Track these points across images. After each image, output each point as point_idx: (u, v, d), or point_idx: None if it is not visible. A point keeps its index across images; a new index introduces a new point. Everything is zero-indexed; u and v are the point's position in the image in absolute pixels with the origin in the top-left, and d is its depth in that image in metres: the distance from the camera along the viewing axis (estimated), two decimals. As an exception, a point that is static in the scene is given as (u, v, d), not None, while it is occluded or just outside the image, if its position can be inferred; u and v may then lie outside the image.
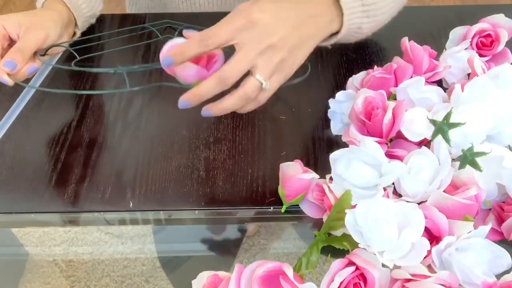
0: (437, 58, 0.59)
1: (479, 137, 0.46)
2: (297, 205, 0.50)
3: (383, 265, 0.39)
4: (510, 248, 0.41)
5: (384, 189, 0.45)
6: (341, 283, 0.39)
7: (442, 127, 0.47)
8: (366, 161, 0.45)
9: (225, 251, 0.70)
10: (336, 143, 0.57)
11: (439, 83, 0.59)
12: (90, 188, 0.54)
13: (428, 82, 0.57)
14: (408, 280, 0.38)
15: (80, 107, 0.63)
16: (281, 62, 0.50)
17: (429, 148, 0.46)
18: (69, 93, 0.63)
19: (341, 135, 0.55)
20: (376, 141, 0.46)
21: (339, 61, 0.69)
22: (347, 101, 0.55)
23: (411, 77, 0.55)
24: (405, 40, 0.58)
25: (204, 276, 0.42)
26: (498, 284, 0.38)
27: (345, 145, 0.52)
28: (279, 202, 0.51)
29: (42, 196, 0.53)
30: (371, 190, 0.44)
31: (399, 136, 0.49)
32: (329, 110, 0.56)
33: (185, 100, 0.49)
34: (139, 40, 0.72)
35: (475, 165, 0.44)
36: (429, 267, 0.40)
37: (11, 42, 0.60)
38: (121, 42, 0.72)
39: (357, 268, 0.40)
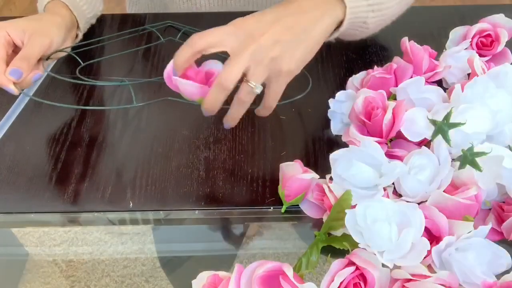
0: (437, 58, 0.59)
1: (479, 137, 0.46)
2: (297, 205, 0.50)
3: (383, 265, 0.39)
4: (510, 248, 0.41)
5: (384, 189, 0.45)
6: (341, 283, 0.39)
7: (442, 127, 0.47)
8: (366, 161, 0.45)
9: (225, 251, 0.70)
10: (336, 143, 0.57)
11: (439, 83, 0.59)
12: (90, 188, 0.54)
13: (428, 82, 0.57)
14: (408, 280, 0.38)
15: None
16: (273, 60, 0.50)
17: (429, 148, 0.46)
18: (76, 108, 0.63)
19: (341, 135, 0.55)
20: (376, 141, 0.46)
21: (339, 61, 0.69)
22: (347, 101, 0.55)
23: (411, 77, 0.55)
24: (405, 40, 0.58)
25: (204, 276, 0.42)
26: (498, 284, 0.38)
27: (345, 145, 0.52)
28: (279, 202, 0.51)
29: (42, 196, 0.53)
30: (371, 190, 0.44)
31: (399, 136, 0.49)
32: (329, 110, 0.56)
33: (205, 113, 0.53)
34: (140, 40, 0.72)
35: (475, 165, 0.44)
36: (429, 267, 0.40)
37: (15, 49, 0.59)
38: (122, 43, 0.72)
39: (357, 268, 0.40)
